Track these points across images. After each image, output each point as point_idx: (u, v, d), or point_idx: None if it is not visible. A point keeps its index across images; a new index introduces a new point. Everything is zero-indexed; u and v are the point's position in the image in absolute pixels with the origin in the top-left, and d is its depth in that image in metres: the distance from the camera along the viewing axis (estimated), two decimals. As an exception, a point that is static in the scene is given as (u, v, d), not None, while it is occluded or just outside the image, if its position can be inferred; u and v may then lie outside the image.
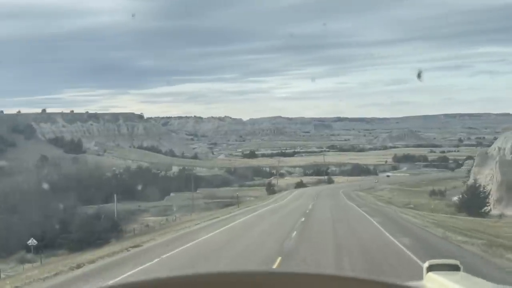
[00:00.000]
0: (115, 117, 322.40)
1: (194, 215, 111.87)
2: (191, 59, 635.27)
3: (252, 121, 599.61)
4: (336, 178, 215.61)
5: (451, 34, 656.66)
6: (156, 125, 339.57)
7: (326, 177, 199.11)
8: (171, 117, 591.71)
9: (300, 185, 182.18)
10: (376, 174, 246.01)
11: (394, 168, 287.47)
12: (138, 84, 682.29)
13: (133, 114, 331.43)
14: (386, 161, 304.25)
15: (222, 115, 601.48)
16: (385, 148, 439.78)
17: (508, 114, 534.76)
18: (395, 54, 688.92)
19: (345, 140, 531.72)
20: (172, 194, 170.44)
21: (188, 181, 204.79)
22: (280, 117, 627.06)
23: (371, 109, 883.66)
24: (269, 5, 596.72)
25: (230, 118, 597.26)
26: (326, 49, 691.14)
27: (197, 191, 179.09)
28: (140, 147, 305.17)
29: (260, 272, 1.74)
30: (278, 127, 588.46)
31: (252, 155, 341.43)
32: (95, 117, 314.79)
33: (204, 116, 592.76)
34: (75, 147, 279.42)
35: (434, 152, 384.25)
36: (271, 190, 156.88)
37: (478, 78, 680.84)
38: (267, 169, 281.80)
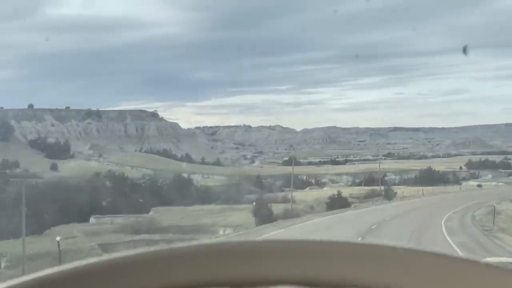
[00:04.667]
0: (122, 115, 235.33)
1: None
2: (247, 71, 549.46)
3: (305, 131, 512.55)
4: (398, 189, 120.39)
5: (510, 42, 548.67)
6: (173, 125, 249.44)
7: (382, 188, 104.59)
8: (219, 127, 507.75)
9: (336, 201, 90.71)
10: (457, 183, 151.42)
11: (473, 176, 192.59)
12: (194, 96, 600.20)
13: (144, 112, 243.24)
14: (461, 167, 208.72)
15: (273, 124, 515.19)
16: (450, 155, 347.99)
17: None
18: (453, 63, 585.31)
19: (403, 148, 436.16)
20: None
21: (178, 192, 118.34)
22: (334, 127, 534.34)
23: (428, 119, 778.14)
24: (325, 15, 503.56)
25: (281, 127, 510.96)
26: (382, 59, 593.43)
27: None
28: (149, 151, 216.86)
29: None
30: (331, 136, 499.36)
31: (291, 162, 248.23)
32: (96, 115, 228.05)
33: (253, 125, 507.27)
34: (61, 150, 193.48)
35: (510, 159, 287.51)
36: (263, 213, 65.06)
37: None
38: (304, 178, 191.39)
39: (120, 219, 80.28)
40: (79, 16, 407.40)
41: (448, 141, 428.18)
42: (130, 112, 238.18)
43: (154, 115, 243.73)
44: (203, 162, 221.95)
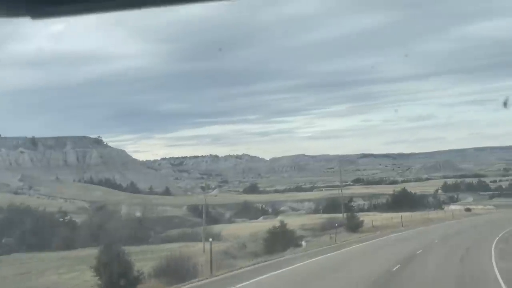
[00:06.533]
0: (61, 142, 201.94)
1: None
2: (215, 101, 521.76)
3: (273, 160, 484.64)
4: (366, 216, 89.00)
5: (476, 68, 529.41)
6: (119, 152, 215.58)
7: (344, 215, 73.18)
8: (186, 157, 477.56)
9: (279, 237, 59.33)
10: (438, 207, 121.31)
11: (452, 199, 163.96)
12: (163, 128, 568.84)
13: (86, 138, 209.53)
14: (437, 190, 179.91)
15: (240, 154, 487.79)
16: (421, 179, 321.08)
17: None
18: (419, 90, 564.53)
19: (373, 174, 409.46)
20: None
21: (85, 228, 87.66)
22: (303, 155, 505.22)
23: (396, 145, 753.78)
24: (291, 44, 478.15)
25: (248, 156, 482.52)
26: (349, 87, 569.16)
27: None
28: (89, 181, 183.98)
29: None
30: (300, 164, 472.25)
31: (252, 190, 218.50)
32: (32, 142, 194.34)
33: (221, 155, 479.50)
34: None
35: (484, 182, 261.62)
36: (113, 270, 32.63)
37: (506, 112, 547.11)
38: (260, 206, 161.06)
39: None
40: (46, 51, 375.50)
41: (418, 166, 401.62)
42: (71, 138, 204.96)
43: (98, 141, 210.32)
44: (150, 192, 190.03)
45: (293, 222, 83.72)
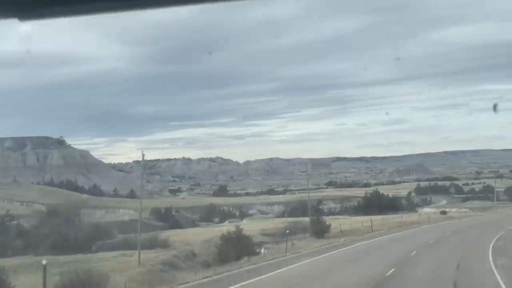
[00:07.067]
0: (21, 143, 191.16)
1: None
2: (189, 105, 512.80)
3: (247, 163, 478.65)
4: (336, 220, 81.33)
5: (448, 73, 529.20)
6: (83, 153, 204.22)
7: (310, 218, 65.26)
8: (158, 160, 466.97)
9: (233, 244, 50.93)
10: (412, 210, 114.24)
11: (425, 202, 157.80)
12: (136, 131, 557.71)
13: (48, 138, 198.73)
14: (410, 193, 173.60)
15: (214, 156, 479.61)
16: (394, 182, 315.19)
17: (510, 150, 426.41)
18: (392, 94, 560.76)
19: (346, 177, 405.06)
20: None
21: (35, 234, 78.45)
22: (277, 158, 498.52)
23: (370, 149, 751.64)
24: (266, 48, 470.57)
25: (222, 159, 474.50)
26: (323, 91, 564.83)
27: None
28: (50, 183, 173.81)
29: None
30: (273, 167, 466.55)
31: (222, 192, 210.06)
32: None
33: (194, 157, 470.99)
34: None
35: (457, 185, 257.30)
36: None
37: (476, 116, 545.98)
38: (227, 209, 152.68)
39: None
40: (15, 52, 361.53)
41: (391, 169, 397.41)
42: (31, 139, 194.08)
43: (60, 142, 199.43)
44: (114, 195, 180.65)
45: (255, 226, 75.69)
